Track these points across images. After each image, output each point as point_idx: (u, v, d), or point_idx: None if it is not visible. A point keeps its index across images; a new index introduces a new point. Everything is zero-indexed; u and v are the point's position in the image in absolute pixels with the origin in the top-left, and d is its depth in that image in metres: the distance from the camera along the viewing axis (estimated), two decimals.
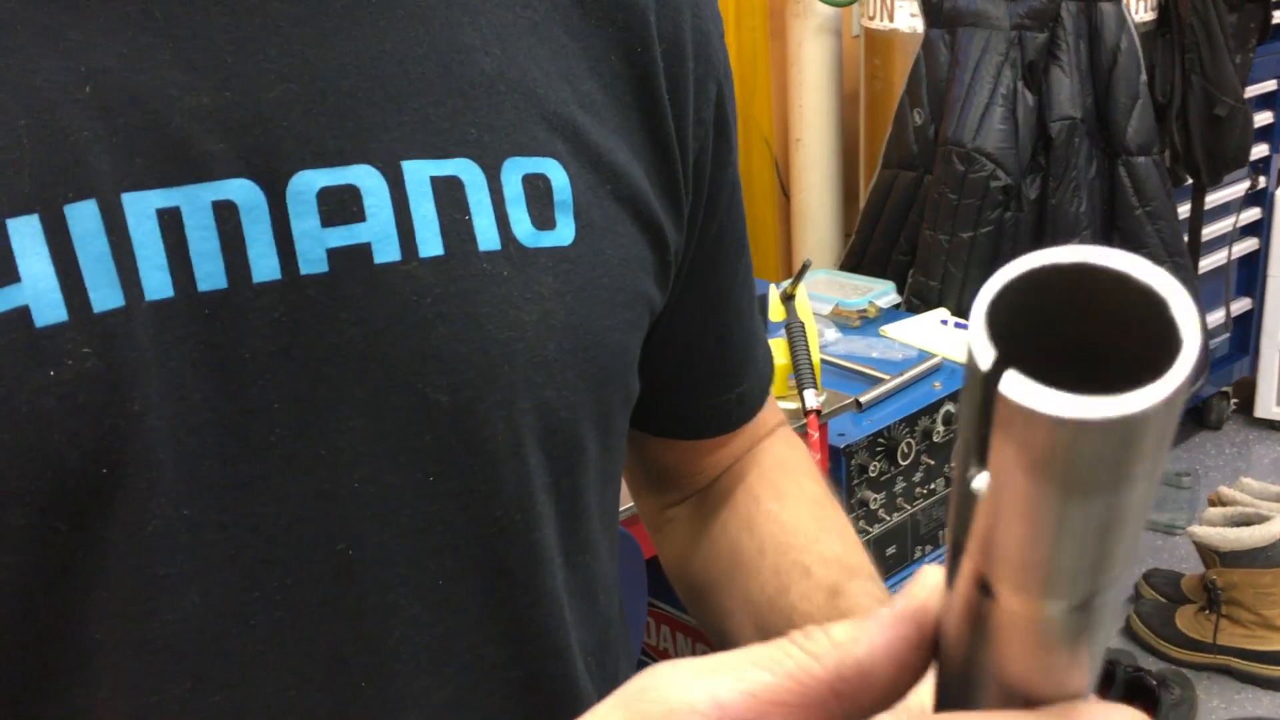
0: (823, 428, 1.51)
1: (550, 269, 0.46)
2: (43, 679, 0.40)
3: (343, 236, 0.42)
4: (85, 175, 0.39)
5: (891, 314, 1.97)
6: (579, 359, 0.48)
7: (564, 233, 0.47)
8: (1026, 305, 0.21)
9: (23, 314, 0.38)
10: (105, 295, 0.39)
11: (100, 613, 0.40)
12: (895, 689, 0.28)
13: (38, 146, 0.38)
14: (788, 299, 1.43)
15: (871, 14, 2.16)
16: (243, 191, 0.41)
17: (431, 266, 0.44)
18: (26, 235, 0.38)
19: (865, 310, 1.94)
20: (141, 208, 0.39)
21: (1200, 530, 2.21)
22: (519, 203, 0.46)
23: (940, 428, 1.75)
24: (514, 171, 0.46)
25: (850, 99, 2.44)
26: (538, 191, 0.47)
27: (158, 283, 0.40)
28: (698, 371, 0.61)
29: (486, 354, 0.45)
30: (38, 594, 0.40)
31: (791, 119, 2.48)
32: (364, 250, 0.43)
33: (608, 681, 0.54)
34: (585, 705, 0.37)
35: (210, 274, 0.40)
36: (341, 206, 0.42)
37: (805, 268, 1.41)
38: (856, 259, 2.17)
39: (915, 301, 2.01)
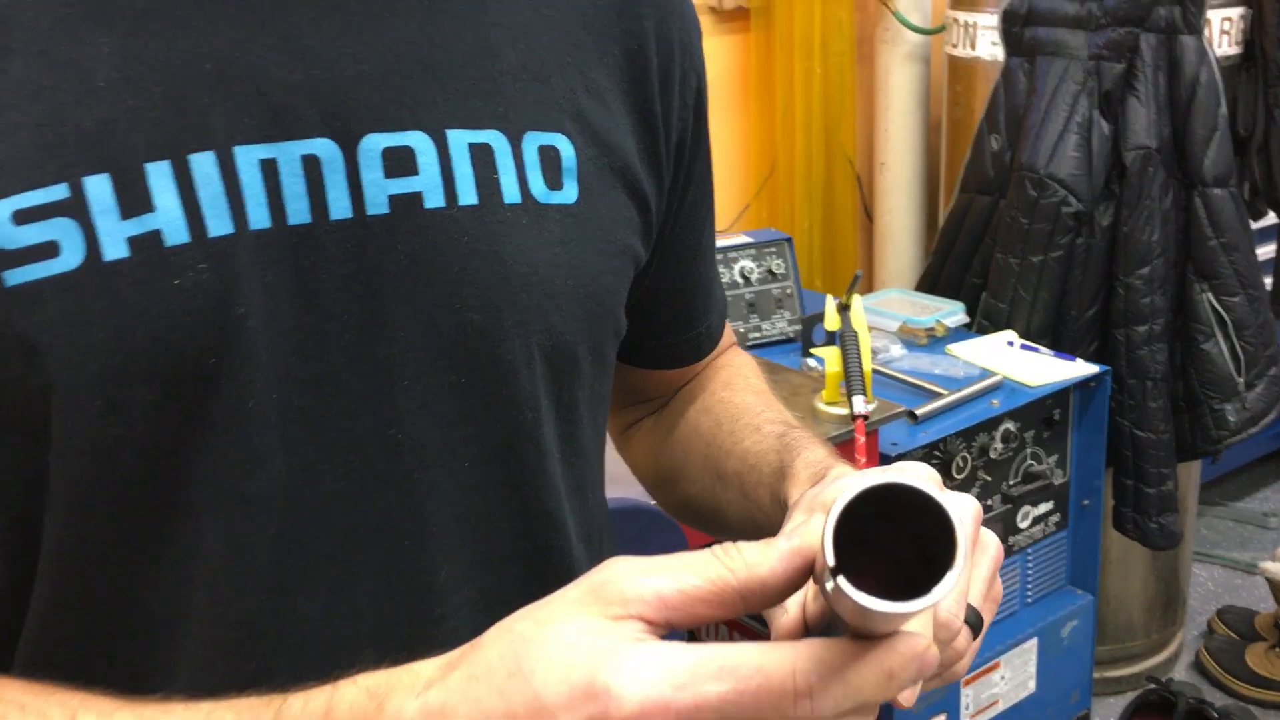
0: (873, 435, 1.57)
1: (558, 221, 0.57)
2: (158, 528, 0.51)
3: (400, 186, 0.53)
4: (205, 132, 0.50)
5: (960, 334, 2.01)
6: (578, 294, 0.58)
7: (569, 193, 0.58)
8: (869, 504, 0.34)
9: (156, 236, 0.49)
10: (218, 224, 0.50)
11: (205, 474, 0.51)
12: (781, 596, 0.39)
13: (170, 109, 0.50)
14: (843, 309, 1.49)
15: (955, 42, 2.21)
16: (324, 148, 0.52)
17: (468, 212, 0.55)
18: (160, 176, 0.49)
19: (933, 329, 1.99)
20: (248, 158, 0.50)
21: (1273, 566, 2.19)
22: (535, 167, 0.57)
23: (999, 445, 1.78)
24: (532, 142, 0.57)
25: (935, 125, 2.48)
26: (550, 159, 0.57)
27: (259, 216, 0.51)
28: (674, 310, 0.73)
29: (509, 284, 0.56)
30: (157, 457, 0.50)
31: (877, 143, 2.53)
32: (417, 197, 0.54)
33: (595, 560, 0.64)
34: (578, 574, 0.48)
35: (298, 211, 0.51)
36: (400, 162, 0.53)
37: (857, 279, 1.47)
38: (931, 280, 2.22)
39: (984, 323, 2.04)
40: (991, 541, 0.51)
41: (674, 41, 0.64)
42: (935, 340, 1.98)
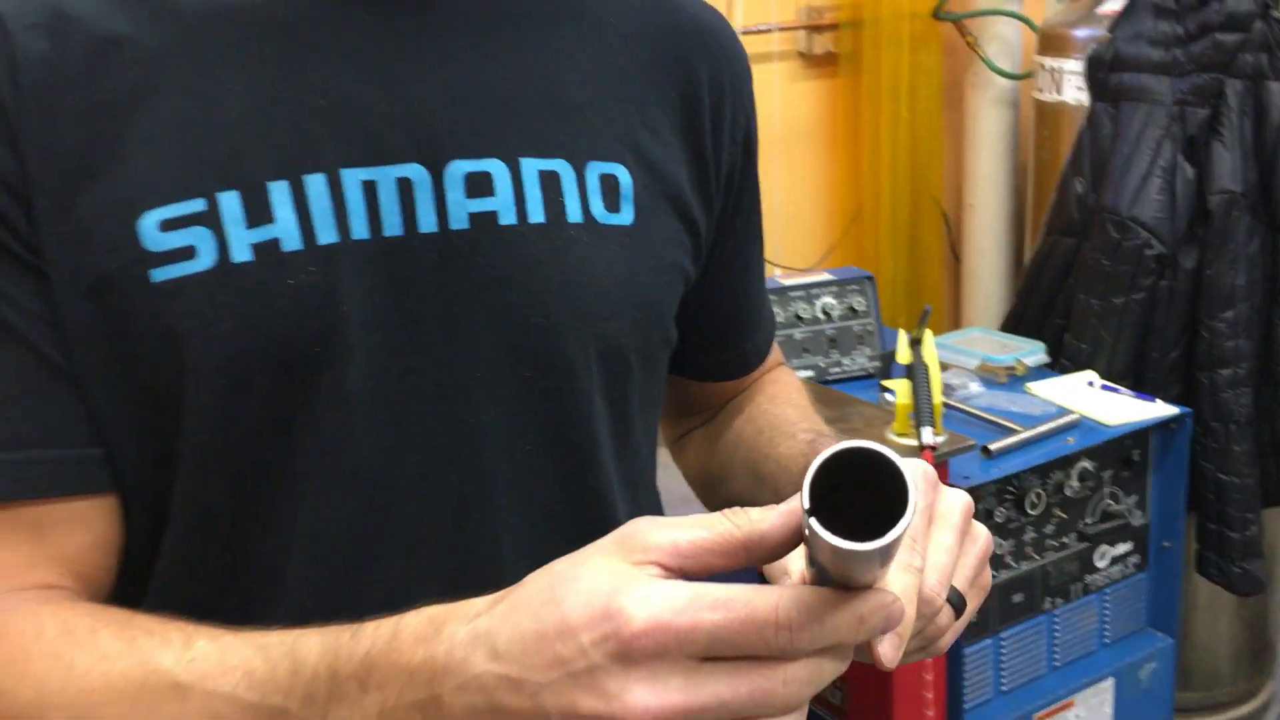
0: (942, 466, 1.61)
1: (615, 239, 0.65)
2: (266, 494, 0.60)
3: (479, 205, 0.62)
4: (318, 157, 0.59)
5: (1041, 373, 2.03)
6: (631, 304, 0.66)
7: (626, 216, 0.66)
8: (839, 464, 0.41)
9: (275, 243, 0.58)
10: (326, 234, 0.59)
11: (307, 448, 0.60)
12: (778, 550, 0.45)
13: (289, 137, 0.59)
14: (914, 343, 1.54)
15: (1042, 87, 2.25)
16: (416, 172, 0.61)
17: (536, 230, 0.63)
18: (280, 193, 0.58)
19: (1012, 367, 2.01)
20: (352, 179, 0.60)
21: None
22: (596, 192, 0.65)
23: (1075, 483, 1.80)
24: (594, 171, 0.65)
25: (1022, 168, 2.51)
26: (610, 186, 0.66)
27: (359, 228, 0.60)
28: (723, 327, 0.81)
29: (569, 292, 0.64)
30: (269, 431, 0.60)
31: (965, 185, 2.57)
32: (492, 215, 0.62)
33: None
34: None
35: (392, 225, 0.60)
36: (479, 185, 0.62)
37: (926, 314, 1.52)
38: (1015, 320, 2.24)
39: (1066, 363, 2.06)
40: (981, 533, 0.57)
41: (725, 87, 0.71)
42: (1015, 379, 2.00)
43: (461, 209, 0.62)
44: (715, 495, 0.85)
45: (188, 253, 0.57)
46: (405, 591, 0.59)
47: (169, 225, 0.57)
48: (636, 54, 0.68)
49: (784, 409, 0.81)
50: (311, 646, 0.49)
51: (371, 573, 0.61)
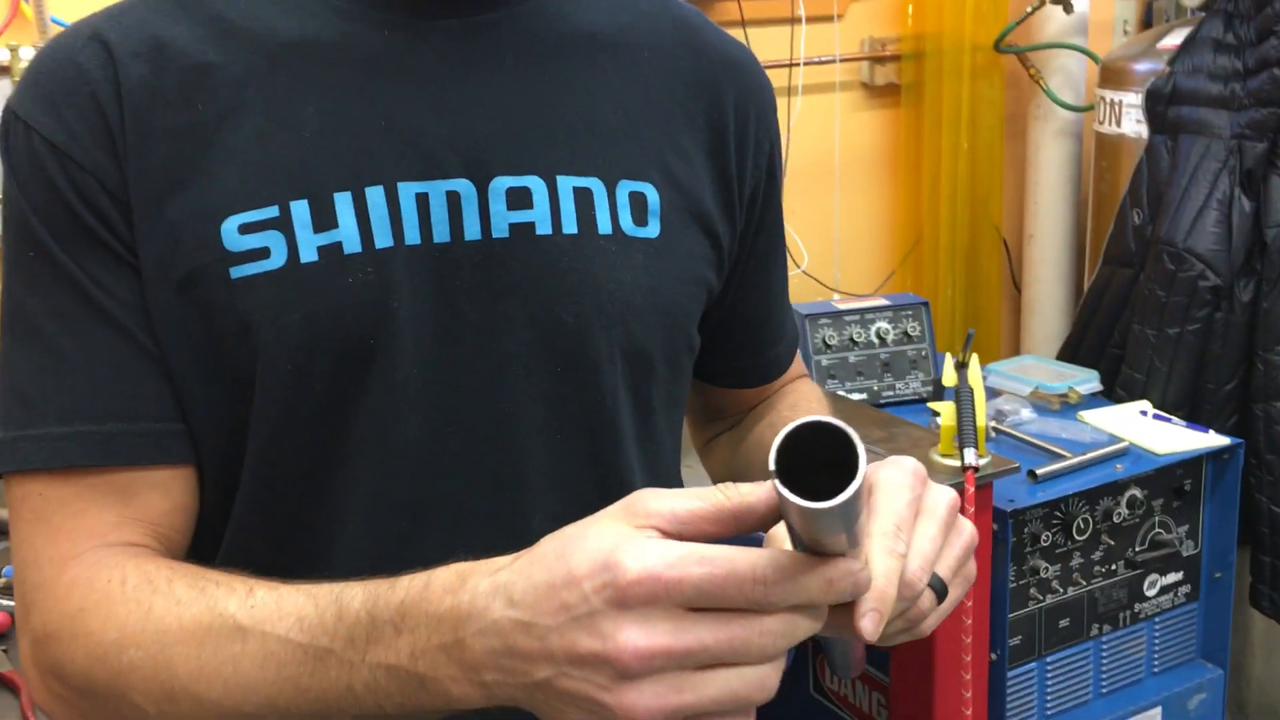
0: (987, 489, 1.64)
1: (642, 250, 0.72)
2: (323, 469, 0.68)
3: (518, 216, 0.69)
4: (377, 172, 0.67)
5: (1095, 402, 2.05)
6: (655, 309, 0.73)
7: (653, 229, 0.73)
8: (813, 442, 0.46)
9: (338, 246, 0.66)
10: (383, 239, 0.67)
11: (360, 429, 0.68)
12: (765, 522, 0.51)
13: (353, 154, 0.67)
14: (960, 366, 1.58)
15: (1102, 119, 2.27)
16: (463, 186, 0.68)
17: (569, 239, 0.70)
18: (344, 203, 0.66)
19: (1065, 395, 2.03)
20: (407, 192, 0.67)
21: None
22: (625, 208, 0.72)
23: (1124, 510, 1.81)
24: (624, 188, 0.72)
25: (1084, 199, 2.53)
26: (638, 202, 0.72)
27: (412, 235, 0.67)
28: (746, 337, 0.86)
29: (597, 296, 0.70)
30: (327, 412, 0.67)
31: (1026, 215, 2.59)
32: (530, 226, 0.69)
33: None
34: None
35: (441, 232, 0.68)
36: (519, 198, 0.69)
37: (970, 338, 1.55)
38: (1072, 349, 2.26)
39: (1121, 393, 2.08)
40: (966, 527, 0.61)
41: (750, 115, 0.78)
42: (1068, 407, 2.02)
43: (503, 219, 0.69)
44: None
45: (262, 253, 0.65)
46: (445, 560, 0.66)
47: (247, 229, 0.65)
48: (668, 84, 0.75)
49: (804, 415, 0.85)
50: (355, 595, 0.55)
51: (413, 549, 0.67)
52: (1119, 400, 2.06)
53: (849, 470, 0.44)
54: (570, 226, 0.70)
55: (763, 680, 0.49)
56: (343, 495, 0.68)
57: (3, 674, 1.20)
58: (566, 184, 0.70)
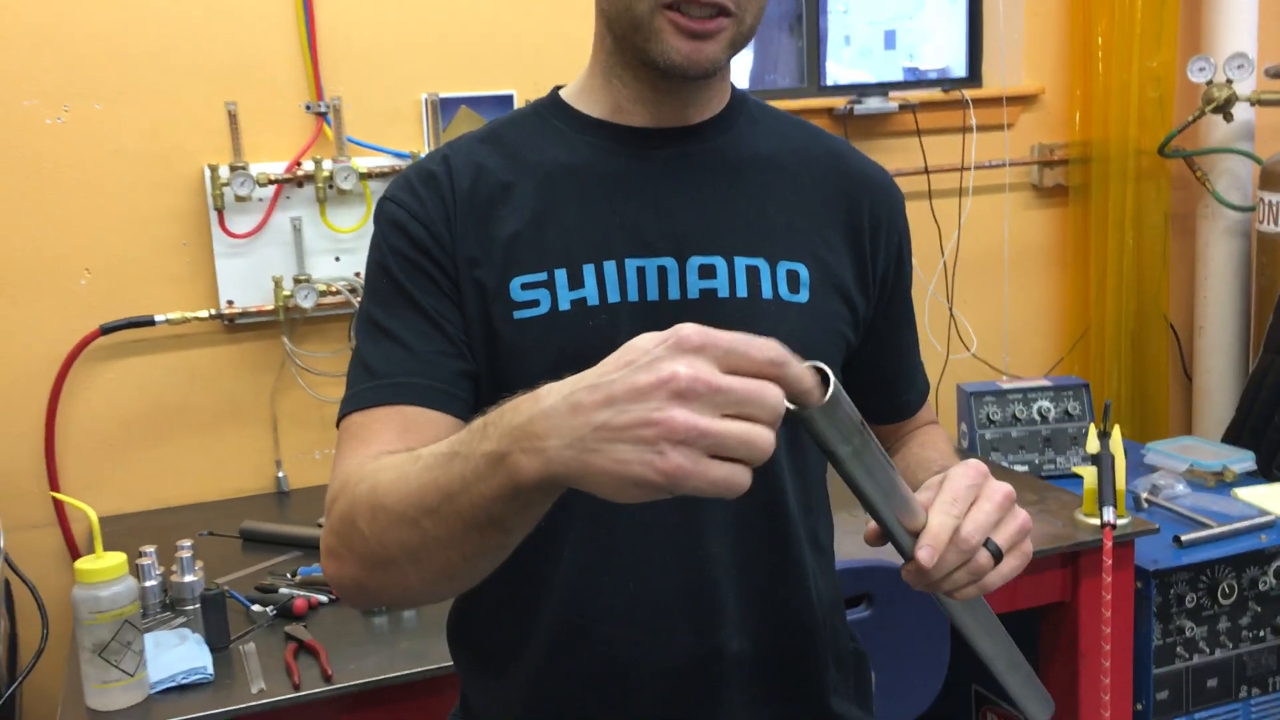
0: (1128, 547, 1.80)
1: (795, 311, 0.97)
2: (548, 534, 0.84)
3: (706, 284, 0.96)
4: (611, 251, 0.94)
5: (1250, 480, 2.17)
6: (804, 354, 0.95)
7: (803, 297, 0.98)
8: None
9: (584, 300, 0.93)
10: (613, 296, 0.94)
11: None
12: (796, 381, 0.65)
13: (596, 239, 0.94)
14: (1103, 435, 1.77)
15: (1263, 218, 2.41)
16: (669, 262, 0.95)
17: (742, 301, 0.96)
18: (589, 271, 0.94)
19: (1220, 473, 2.17)
20: (631, 265, 0.95)
21: None
22: (783, 281, 0.98)
23: (1271, 580, 1.94)
24: (783, 266, 0.98)
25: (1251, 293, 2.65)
26: (793, 277, 0.98)
27: (633, 294, 0.94)
28: (884, 382, 1.11)
29: None
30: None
31: (1196, 308, 2.72)
32: (714, 291, 0.96)
33: (822, 569, 1.03)
34: (809, 584, 0.94)
35: (652, 293, 0.95)
36: (707, 271, 0.96)
37: (1108, 408, 1.75)
38: (1236, 431, 2.38)
39: (1278, 472, 2.19)
40: (1020, 514, 0.80)
41: (881, 215, 1.04)
42: (1223, 484, 2.15)
43: (695, 287, 0.94)
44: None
45: (535, 303, 0.92)
46: (642, 606, 0.93)
47: (526, 286, 0.92)
48: (820, 192, 1.01)
49: (928, 452, 1.08)
50: (478, 419, 0.71)
51: (614, 593, 0.92)
52: (1276, 480, 2.17)
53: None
54: (743, 292, 0.94)
55: (764, 436, 0.61)
56: (556, 542, 0.91)
57: (306, 642, 1.53)
58: (741, 262, 0.95)
